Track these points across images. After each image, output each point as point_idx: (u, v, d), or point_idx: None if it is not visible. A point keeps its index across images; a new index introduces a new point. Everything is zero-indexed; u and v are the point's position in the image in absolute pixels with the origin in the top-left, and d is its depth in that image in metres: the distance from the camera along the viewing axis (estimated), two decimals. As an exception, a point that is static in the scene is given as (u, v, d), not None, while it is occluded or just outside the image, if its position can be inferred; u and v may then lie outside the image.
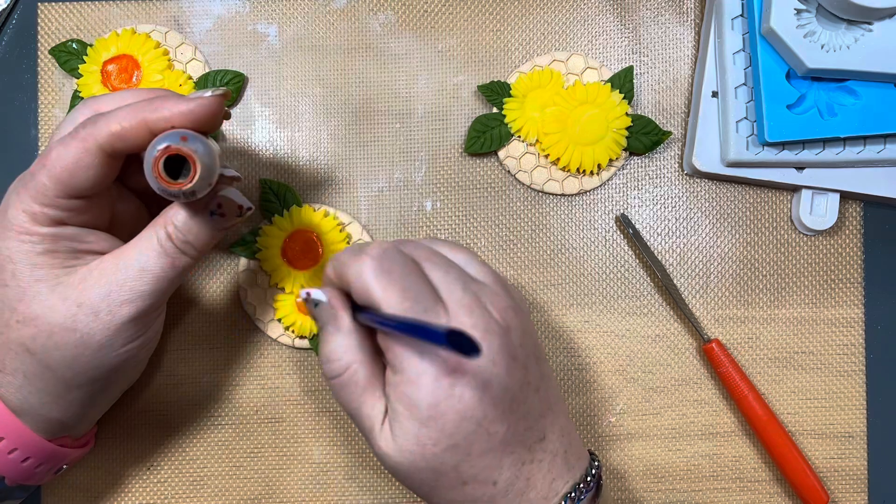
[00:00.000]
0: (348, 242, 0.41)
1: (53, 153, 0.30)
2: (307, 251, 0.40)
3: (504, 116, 0.41)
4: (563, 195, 0.42)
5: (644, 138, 0.41)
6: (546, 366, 0.33)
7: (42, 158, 0.30)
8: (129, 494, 0.41)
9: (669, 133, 0.41)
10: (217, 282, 0.42)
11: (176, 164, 0.29)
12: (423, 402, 0.29)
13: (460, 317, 0.29)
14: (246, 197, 0.33)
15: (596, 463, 0.33)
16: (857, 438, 0.42)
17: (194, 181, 0.28)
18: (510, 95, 0.41)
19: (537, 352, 0.32)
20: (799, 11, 0.38)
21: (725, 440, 0.42)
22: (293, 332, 0.40)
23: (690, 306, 0.42)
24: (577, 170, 0.41)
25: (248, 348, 0.42)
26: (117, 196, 0.35)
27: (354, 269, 0.30)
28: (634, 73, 0.42)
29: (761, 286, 0.42)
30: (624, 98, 0.41)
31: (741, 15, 0.40)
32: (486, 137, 0.41)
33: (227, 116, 0.33)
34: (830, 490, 0.41)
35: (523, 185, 0.42)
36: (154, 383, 0.42)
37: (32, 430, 0.33)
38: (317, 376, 0.42)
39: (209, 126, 0.31)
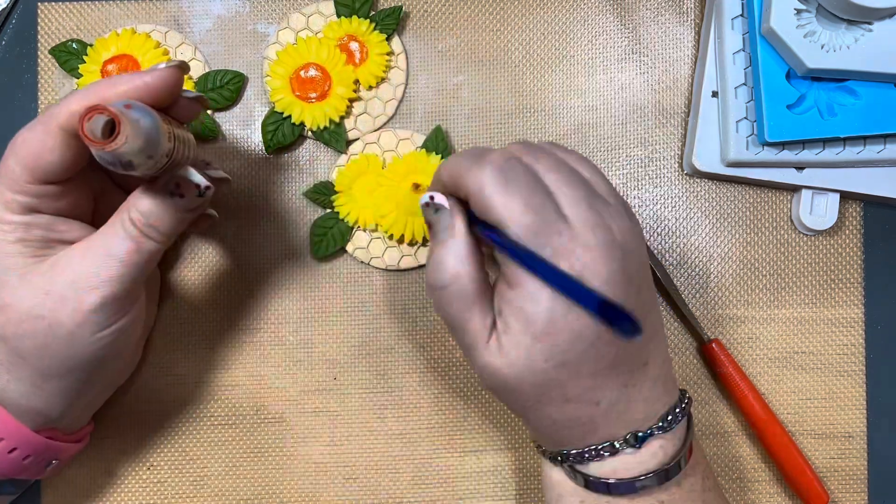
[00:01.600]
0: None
1: (19, 138, 0.30)
2: (315, 82, 0.40)
3: (338, 213, 0.41)
4: (420, 266, 0.42)
5: None
6: (654, 293, 0.33)
7: (10, 144, 0.30)
8: (129, 494, 0.41)
9: None
10: (217, 281, 0.42)
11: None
12: (539, 318, 0.29)
13: (584, 234, 0.29)
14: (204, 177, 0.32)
15: (687, 396, 0.33)
16: (857, 438, 0.42)
17: (119, 140, 0.26)
18: (336, 192, 0.41)
19: (649, 279, 0.32)
20: (799, 11, 0.38)
21: (725, 440, 0.42)
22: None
23: (690, 306, 0.42)
24: (424, 238, 0.41)
25: (248, 348, 0.42)
26: (101, 191, 0.35)
27: (474, 178, 0.30)
28: (634, 73, 0.42)
29: (761, 286, 0.42)
30: (442, 157, 0.40)
31: (741, 15, 0.40)
32: (329, 238, 0.41)
33: (205, 104, 0.33)
34: (830, 490, 0.41)
35: (380, 269, 0.42)
36: (154, 383, 0.42)
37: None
38: (316, 376, 0.42)
39: (170, 99, 0.30)
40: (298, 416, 0.42)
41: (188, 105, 0.32)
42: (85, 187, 0.33)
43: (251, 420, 0.42)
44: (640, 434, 0.31)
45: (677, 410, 0.32)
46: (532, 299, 0.29)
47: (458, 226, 0.31)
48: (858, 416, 0.42)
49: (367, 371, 0.42)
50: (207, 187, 0.31)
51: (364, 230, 0.41)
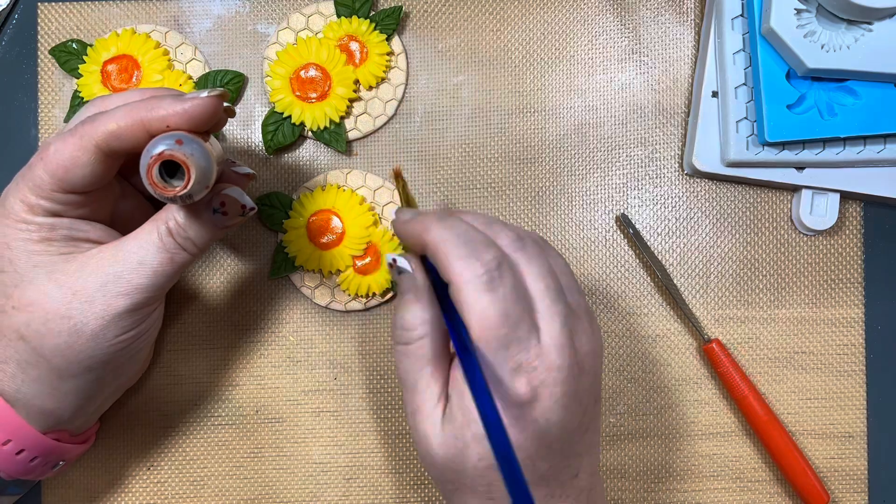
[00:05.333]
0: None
1: (52, 148, 0.30)
2: (315, 82, 0.40)
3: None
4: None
5: None
6: (600, 405, 0.32)
7: (41, 152, 0.31)
8: (129, 494, 0.41)
9: None
10: (218, 281, 0.42)
11: (173, 165, 0.29)
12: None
13: (551, 354, 0.28)
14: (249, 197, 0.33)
15: None
16: (857, 438, 0.42)
17: (188, 187, 0.28)
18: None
19: (598, 393, 0.32)
20: (799, 11, 0.38)
21: (725, 440, 0.42)
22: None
23: (690, 306, 0.42)
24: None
25: (249, 348, 0.42)
26: (120, 193, 0.35)
27: (461, 274, 0.28)
28: (634, 73, 0.42)
29: (761, 286, 0.42)
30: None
31: (741, 15, 0.40)
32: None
33: (232, 114, 0.33)
34: (830, 490, 0.41)
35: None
36: (154, 383, 0.42)
37: (27, 421, 0.33)
38: (316, 376, 0.42)
39: (207, 126, 0.31)
40: (298, 416, 0.42)
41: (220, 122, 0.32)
42: (106, 193, 0.34)
43: (251, 420, 0.42)
44: None
45: None
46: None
47: (422, 290, 0.31)
48: (858, 416, 0.42)
49: (367, 371, 0.42)
50: (252, 208, 0.32)
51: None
